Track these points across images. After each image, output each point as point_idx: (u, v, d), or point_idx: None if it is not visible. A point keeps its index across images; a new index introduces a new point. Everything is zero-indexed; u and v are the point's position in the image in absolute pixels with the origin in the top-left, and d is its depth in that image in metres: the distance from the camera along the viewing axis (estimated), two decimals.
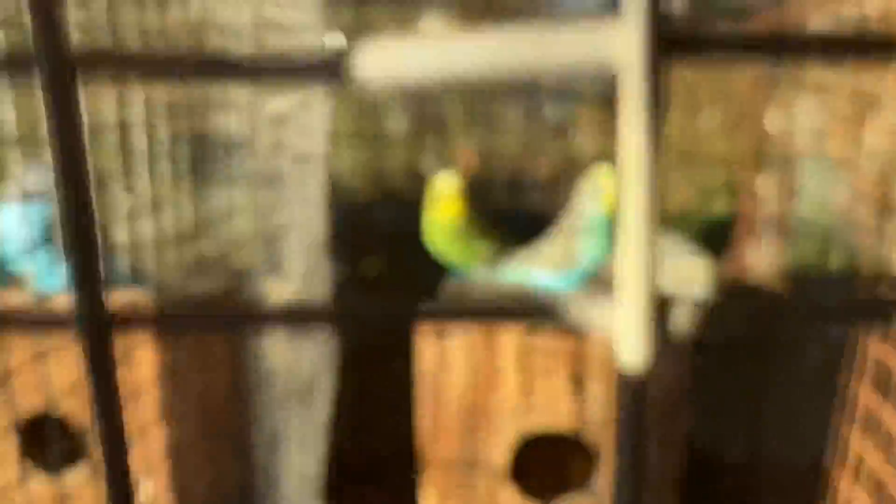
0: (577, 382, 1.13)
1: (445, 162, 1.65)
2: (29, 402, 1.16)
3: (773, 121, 1.44)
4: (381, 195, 1.68)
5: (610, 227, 1.19)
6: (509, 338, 1.12)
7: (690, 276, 1.64)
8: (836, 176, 1.12)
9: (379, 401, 1.80)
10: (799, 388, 1.27)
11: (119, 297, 1.14)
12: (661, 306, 0.29)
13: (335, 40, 1.51)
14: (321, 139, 1.29)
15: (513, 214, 1.68)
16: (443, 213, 1.36)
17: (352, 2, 1.57)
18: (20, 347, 1.09)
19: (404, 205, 1.66)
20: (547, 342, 1.12)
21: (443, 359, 1.15)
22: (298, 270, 1.11)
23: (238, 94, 1.01)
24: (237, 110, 0.87)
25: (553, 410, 1.14)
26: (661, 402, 1.12)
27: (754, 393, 1.46)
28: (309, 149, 1.14)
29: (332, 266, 1.59)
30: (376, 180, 1.66)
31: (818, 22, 1.17)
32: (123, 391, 0.27)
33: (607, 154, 1.45)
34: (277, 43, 0.92)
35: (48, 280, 1.13)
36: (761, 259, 1.41)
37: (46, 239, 1.08)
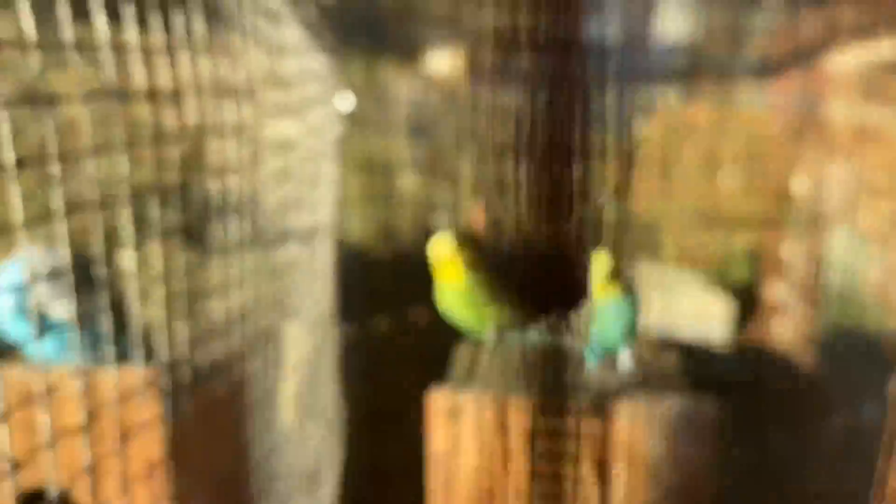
0: (600, 467, 1.06)
1: (457, 220, 1.61)
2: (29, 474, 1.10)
3: (800, 184, 1.39)
4: (392, 254, 1.64)
5: (602, 314, 1.12)
6: (521, 418, 1.06)
7: (710, 314, 1.59)
8: (867, 249, 1.06)
9: (389, 473, 1.74)
10: (828, 462, 1.20)
11: (128, 374, 1.10)
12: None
13: (346, 102, 1.48)
14: (330, 198, 1.26)
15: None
16: (444, 276, 1.31)
17: (362, 54, 1.54)
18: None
19: (417, 263, 1.62)
20: (565, 424, 1.06)
21: (455, 441, 1.08)
22: (306, 333, 1.07)
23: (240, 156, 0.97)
24: (238, 170, 0.83)
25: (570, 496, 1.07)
26: (686, 487, 1.05)
27: (782, 467, 1.39)
28: (317, 210, 1.10)
29: (342, 326, 1.54)
30: (387, 238, 1.62)
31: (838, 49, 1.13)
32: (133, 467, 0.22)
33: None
34: (282, 100, 0.88)
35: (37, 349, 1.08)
36: (787, 328, 1.35)
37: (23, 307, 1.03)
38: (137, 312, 0.52)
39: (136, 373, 1.10)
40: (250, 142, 0.76)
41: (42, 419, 0.62)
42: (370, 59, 1.55)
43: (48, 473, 0.40)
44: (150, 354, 1.22)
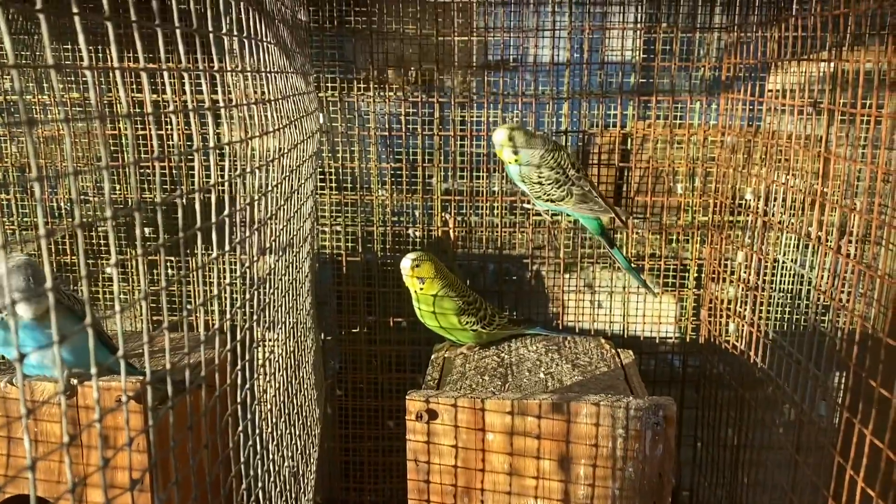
0: (562, 464, 1.06)
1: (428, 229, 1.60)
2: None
3: (749, 193, 1.41)
4: (367, 263, 1.62)
5: None
6: (494, 419, 1.05)
7: (664, 315, 1.60)
8: (813, 254, 1.07)
9: (368, 474, 1.72)
10: (781, 456, 1.21)
11: (111, 386, 1.06)
12: None
13: (320, 118, 1.46)
14: (308, 209, 1.24)
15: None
16: (416, 286, 1.30)
17: (338, 74, 1.53)
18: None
19: (391, 272, 1.61)
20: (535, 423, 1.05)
21: (432, 442, 1.07)
22: (285, 339, 1.05)
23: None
24: (223, 185, 0.81)
25: (543, 489, 1.07)
26: (648, 484, 1.05)
27: (736, 455, 1.40)
28: (297, 222, 1.08)
29: (320, 333, 1.52)
30: (362, 248, 1.61)
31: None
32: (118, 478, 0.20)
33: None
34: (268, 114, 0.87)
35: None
36: (739, 327, 1.36)
37: None
38: (119, 324, 0.50)
39: (119, 385, 1.07)
40: (234, 157, 0.74)
41: (28, 431, 0.60)
42: (343, 78, 1.54)
43: (32, 486, 0.38)
44: (131, 366, 1.19)
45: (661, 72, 1.48)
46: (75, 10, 0.40)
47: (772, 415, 1.23)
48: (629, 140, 1.54)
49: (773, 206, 1.24)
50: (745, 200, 1.42)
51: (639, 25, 1.48)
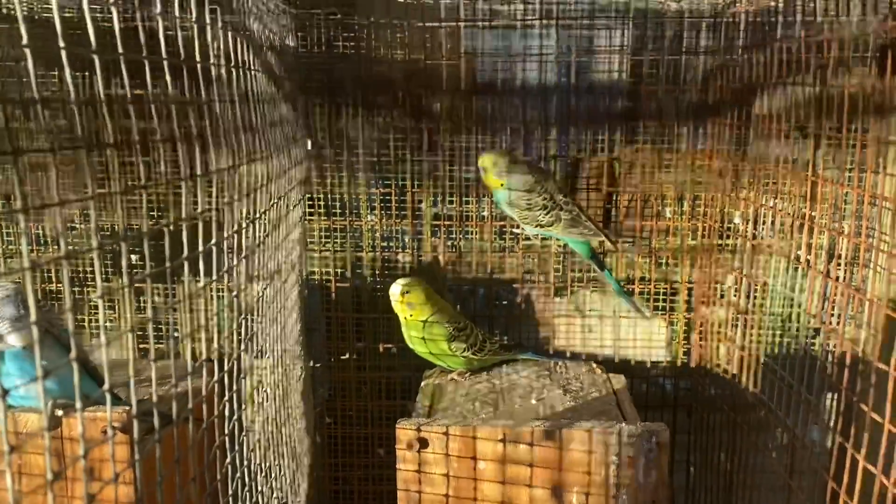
0: (555, 492, 1.05)
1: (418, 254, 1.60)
2: None
3: (739, 217, 1.41)
4: (355, 289, 1.62)
5: None
6: (485, 447, 1.05)
7: (655, 338, 1.60)
8: (802, 278, 1.08)
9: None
10: (774, 480, 1.21)
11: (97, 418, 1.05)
12: None
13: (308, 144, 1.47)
14: (297, 236, 1.24)
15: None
16: (405, 312, 1.30)
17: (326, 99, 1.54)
18: None
19: (381, 298, 1.60)
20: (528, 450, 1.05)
21: (423, 471, 1.06)
22: (274, 368, 1.04)
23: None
24: (211, 213, 0.81)
25: None
26: None
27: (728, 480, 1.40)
28: (285, 249, 1.08)
29: (309, 361, 1.51)
30: (351, 274, 1.60)
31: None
32: None
33: None
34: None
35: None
36: (730, 351, 1.36)
37: None
38: (105, 356, 0.50)
39: (106, 416, 1.06)
40: (223, 185, 0.74)
41: (11, 467, 0.59)
42: (331, 106, 1.54)
43: None
44: (117, 397, 1.18)
45: (648, 95, 1.50)
46: (62, 43, 0.40)
47: (764, 438, 1.23)
48: (617, 165, 1.56)
49: (762, 229, 1.25)
50: (734, 224, 1.43)
51: (625, 49, 1.50)
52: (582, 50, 1.49)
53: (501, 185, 1.33)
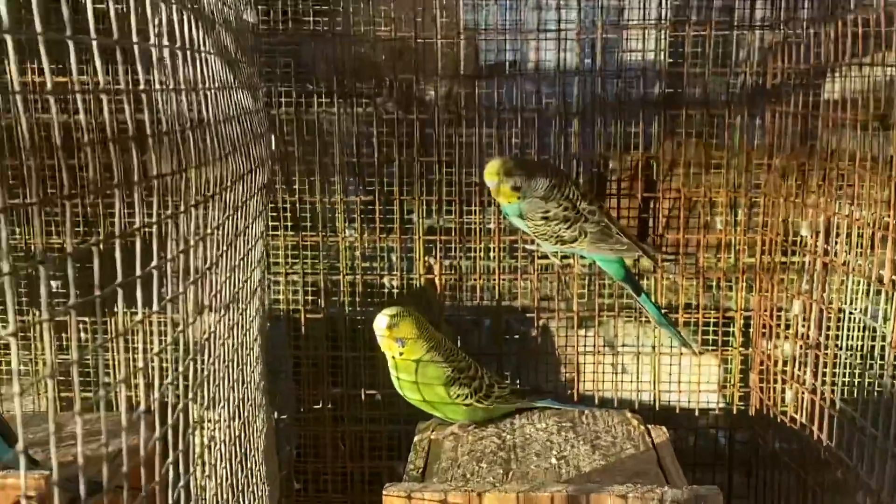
0: None
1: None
2: None
3: (806, 227, 1.42)
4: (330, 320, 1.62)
5: None
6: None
7: (705, 379, 1.60)
8: (886, 300, 1.08)
9: None
10: None
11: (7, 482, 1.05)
12: None
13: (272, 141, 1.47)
14: (258, 255, 1.24)
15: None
16: (393, 350, 1.30)
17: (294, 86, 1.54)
18: None
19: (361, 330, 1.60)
20: None
21: None
22: (231, 420, 1.04)
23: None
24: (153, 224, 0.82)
25: None
26: None
27: None
28: (243, 271, 1.08)
29: (273, 410, 1.50)
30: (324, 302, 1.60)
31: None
32: None
33: None
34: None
35: None
36: (796, 393, 1.36)
37: None
38: (19, 407, 0.49)
39: (19, 483, 1.05)
40: (167, 194, 0.74)
41: None
42: (300, 92, 1.55)
43: None
44: (33, 460, 1.18)
45: (692, 79, 1.50)
46: None
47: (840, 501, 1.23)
48: (654, 164, 1.56)
49: (836, 243, 1.25)
50: (801, 237, 1.43)
51: (663, 23, 1.51)
52: (610, 24, 1.50)
53: (518, 198, 1.32)
